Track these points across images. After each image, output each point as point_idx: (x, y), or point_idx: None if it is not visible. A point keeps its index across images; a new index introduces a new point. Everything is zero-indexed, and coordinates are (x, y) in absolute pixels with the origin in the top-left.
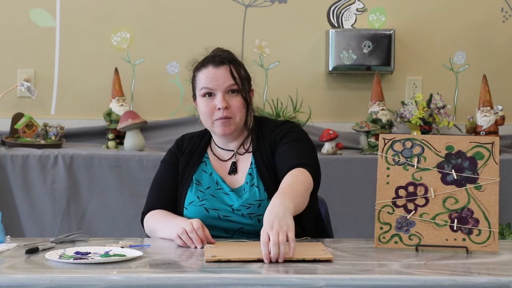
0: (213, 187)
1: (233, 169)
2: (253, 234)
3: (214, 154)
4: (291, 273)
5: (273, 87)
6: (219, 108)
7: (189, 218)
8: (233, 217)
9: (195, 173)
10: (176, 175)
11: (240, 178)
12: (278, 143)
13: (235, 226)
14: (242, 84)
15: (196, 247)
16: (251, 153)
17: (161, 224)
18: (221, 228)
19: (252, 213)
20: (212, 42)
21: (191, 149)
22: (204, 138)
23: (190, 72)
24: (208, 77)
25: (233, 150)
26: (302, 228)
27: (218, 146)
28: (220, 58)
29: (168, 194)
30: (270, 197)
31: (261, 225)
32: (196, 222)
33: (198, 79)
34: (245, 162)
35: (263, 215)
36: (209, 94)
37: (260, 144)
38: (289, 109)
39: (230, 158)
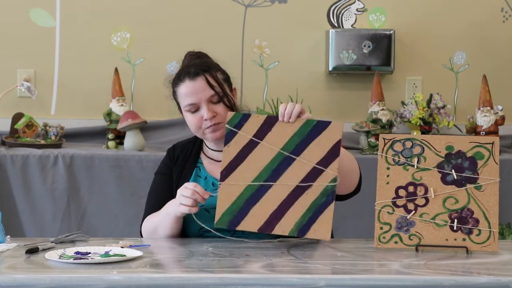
0: (209, 189)
1: None
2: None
3: (208, 157)
4: (291, 273)
5: (273, 87)
6: (206, 119)
7: (190, 220)
8: None
9: (190, 179)
10: (170, 184)
11: None
12: None
13: None
14: (222, 90)
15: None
16: None
17: (159, 216)
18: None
19: None
20: (212, 42)
21: (184, 156)
22: (195, 144)
23: (169, 88)
24: (187, 92)
25: None
26: None
27: (211, 149)
28: (195, 69)
29: (163, 205)
30: None
31: None
32: (188, 184)
33: (179, 94)
34: None
35: None
36: (195, 108)
37: None
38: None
39: None
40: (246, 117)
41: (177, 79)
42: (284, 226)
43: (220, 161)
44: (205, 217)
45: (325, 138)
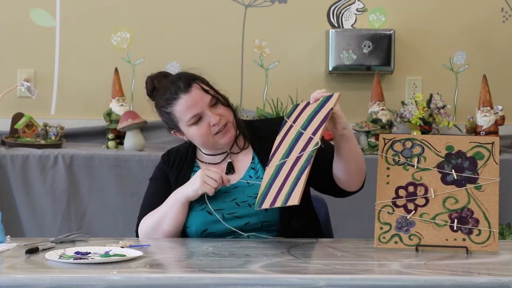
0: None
1: (230, 169)
2: (258, 228)
3: (203, 162)
4: (291, 273)
5: (273, 87)
6: (214, 124)
7: (193, 225)
8: (239, 211)
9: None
10: (166, 190)
11: (239, 176)
12: None
13: (239, 222)
14: (215, 91)
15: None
16: (250, 150)
17: (164, 208)
18: (225, 230)
19: None
20: (212, 42)
21: (180, 161)
22: (189, 149)
23: (154, 112)
24: (188, 105)
25: (225, 152)
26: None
27: (205, 154)
28: (184, 82)
29: None
30: None
31: (267, 215)
32: (213, 167)
33: (176, 112)
34: (245, 159)
35: None
36: (198, 118)
37: (261, 139)
38: (289, 109)
39: (224, 160)
40: (296, 106)
41: (169, 99)
42: (280, 199)
43: (217, 163)
44: (208, 219)
45: (324, 109)
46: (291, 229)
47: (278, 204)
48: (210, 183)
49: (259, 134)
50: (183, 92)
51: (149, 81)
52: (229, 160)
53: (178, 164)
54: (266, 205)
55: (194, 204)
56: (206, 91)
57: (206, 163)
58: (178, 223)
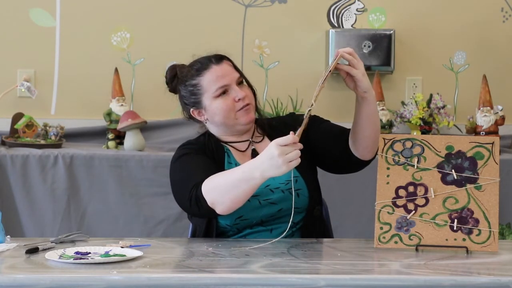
0: None
1: (255, 156)
2: (288, 215)
3: (231, 146)
4: (291, 273)
5: (273, 87)
6: (239, 99)
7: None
8: (273, 197)
9: (224, 166)
10: (210, 161)
11: None
12: (313, 123)
13: (274, 209)
14: (243, 75)
15: None
16: (267, 139)
17: (236, 178)
18: (259, 219)
19: (291, 188)
20: (212, 42)
21: (204, 145)
22: (210, 137)
23: (178, 86)
24: (217, 75)
25: (248, 140)
26: (309, 229)
27: (228, 142)
28: (215, 56)
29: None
30: (302, 174)
31: (300, 200)
32: (282, 140)
33: (204, 82)
34: (265, 147)
35: (301, 189)
36: (224, 91)
37: (274, 131)
38: (289, 109)
39: (248, 148)
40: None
41: (200, 69)
42: None
43: (244, 151)
44: (245, 206)
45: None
46: (313, 217)
47: None
48: (293, 164)
49: (272, 127)
50: (215, 63)
51: (170, 69)
52: (253, 147)
53: (208, 146)
54: None
55: None
56: (236, 69)
57: (236, 149)
58: (247, 197)
